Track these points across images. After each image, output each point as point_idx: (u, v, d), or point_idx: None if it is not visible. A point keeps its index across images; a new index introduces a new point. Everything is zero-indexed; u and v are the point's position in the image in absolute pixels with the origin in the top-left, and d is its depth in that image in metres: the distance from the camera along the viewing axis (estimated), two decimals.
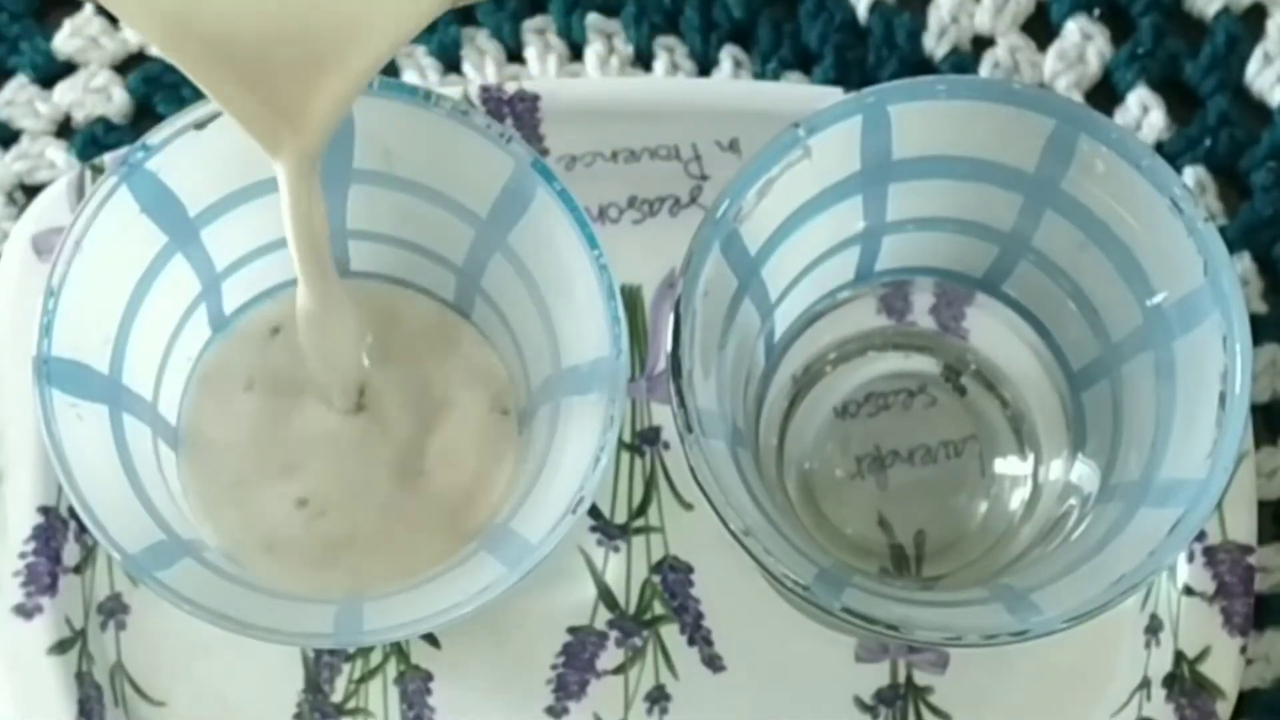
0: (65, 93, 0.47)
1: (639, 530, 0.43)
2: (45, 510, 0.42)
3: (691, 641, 0.42)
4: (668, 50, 0.47)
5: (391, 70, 0.47)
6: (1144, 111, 0.46)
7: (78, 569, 0.42)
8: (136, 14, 0.33)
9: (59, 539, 0.42)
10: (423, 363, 0.42)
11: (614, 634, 0.42)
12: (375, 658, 0.42)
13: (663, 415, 0.43)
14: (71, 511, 0.42)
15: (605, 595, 0.43)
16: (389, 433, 0.41)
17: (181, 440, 0.41)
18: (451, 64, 0.47)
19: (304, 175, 0.35)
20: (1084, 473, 0.40)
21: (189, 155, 0.39)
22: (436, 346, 0.43)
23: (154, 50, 0.47)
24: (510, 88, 0.44)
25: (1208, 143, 0.46)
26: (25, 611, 0.42)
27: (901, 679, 0.42)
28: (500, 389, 0.42)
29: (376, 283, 0.42)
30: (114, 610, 0.42)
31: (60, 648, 0.42)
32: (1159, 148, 0.46)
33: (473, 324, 0.43)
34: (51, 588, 0.42)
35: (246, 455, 0.41)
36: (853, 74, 0.46)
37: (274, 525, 0.41)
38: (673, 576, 0.43)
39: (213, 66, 0.34)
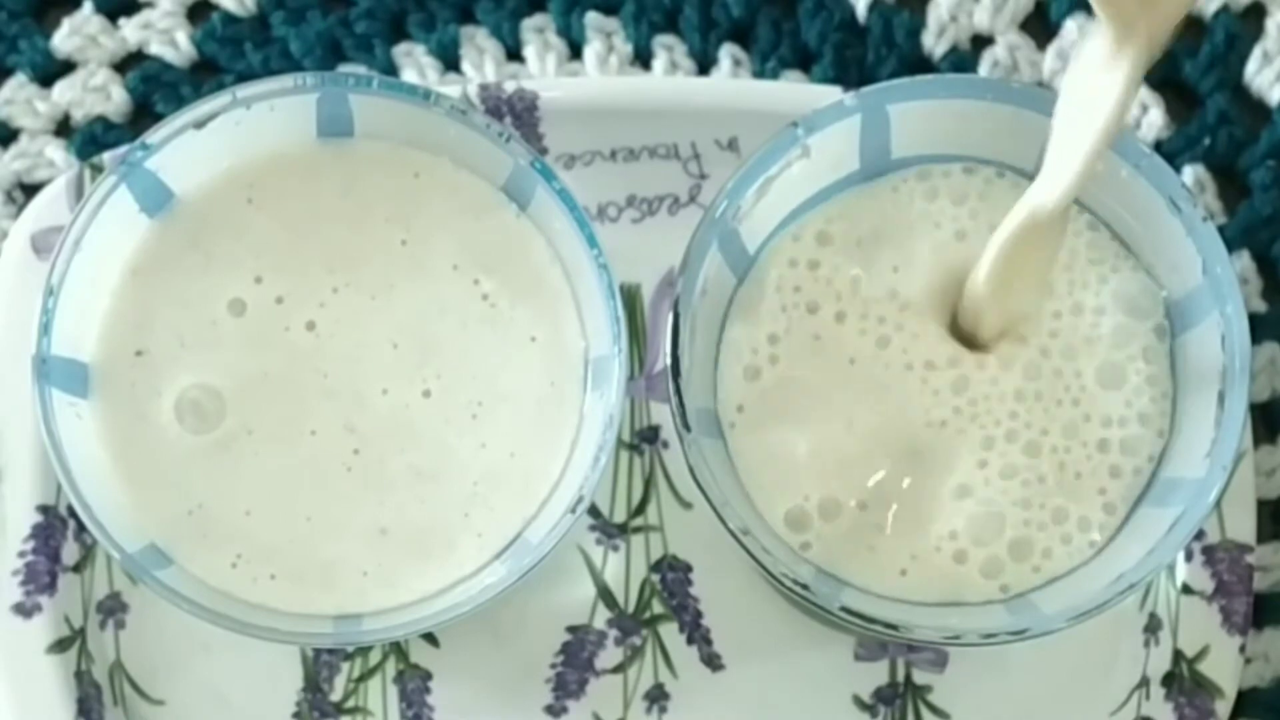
0: (64, 91, 0.47)
1: (638, 529, 0.43)
2: (44, 509, 0.42)
3: (690, 640, 0.42)
4: (667, 49, 0.47)
5: (391, 69, 0.47)
6: (1143, 110, 0.46)
7: (77, 568, 0.42)
8: None
9: (58, 538, 0.42)
10: None
11: (613, 633, 0.42)
12: (374, 657, 0.42)
13: (661, 414, 0.43)
14: (70, 510, 0.42)
15: (604, 594, 0.43)
16: None
17: None
18: (451, 63, 0.47)
19: (1143, 67, 0.33)
20: None
21: (188, 154, 0.39)
22: None
23: (153, 49, 0.47)
24: (509, 86, 0.44)
25: (1207, 141, 0.46)
26: (24, 610, 0.42)
27: (900, 678, 0.42)
28: None
29: None
30: (113, 609, 0.42)
31: (59, 646, 0.42)
32: (1158, 146, 0.46)
33: None
34: (50, 586, 0.42)
35: None
36: (852, 73, 0.46)
37: None
38: (671, 575, 0.43)
39: None
